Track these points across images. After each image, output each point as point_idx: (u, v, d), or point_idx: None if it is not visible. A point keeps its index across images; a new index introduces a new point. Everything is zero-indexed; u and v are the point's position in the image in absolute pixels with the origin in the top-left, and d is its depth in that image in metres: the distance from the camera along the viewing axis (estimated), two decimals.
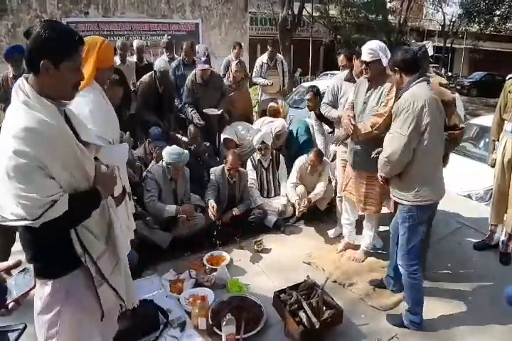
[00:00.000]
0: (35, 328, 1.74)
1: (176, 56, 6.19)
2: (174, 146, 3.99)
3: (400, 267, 2.91)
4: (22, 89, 1.57)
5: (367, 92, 3.39)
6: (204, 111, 5.02)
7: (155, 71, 4.95)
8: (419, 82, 2.65)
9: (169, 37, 6.74)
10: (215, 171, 4.42)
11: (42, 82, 1.58)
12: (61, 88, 1.63)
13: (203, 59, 4.93)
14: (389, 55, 3.35)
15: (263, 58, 6.51)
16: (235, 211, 4.30)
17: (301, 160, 4.62)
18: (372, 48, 3.27)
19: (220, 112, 5.13)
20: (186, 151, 4.02)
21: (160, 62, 5.01)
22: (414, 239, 2.79)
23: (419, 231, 2.78)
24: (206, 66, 4.94)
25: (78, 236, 1.67)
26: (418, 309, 2.91)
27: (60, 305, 1.70)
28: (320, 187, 4.47)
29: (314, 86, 5.01)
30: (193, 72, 5.12)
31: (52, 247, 1.66)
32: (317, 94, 4.79)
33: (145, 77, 5.05)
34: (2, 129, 1.55)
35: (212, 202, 4.09)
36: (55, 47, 1.56)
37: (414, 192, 2.67)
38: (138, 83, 5.15)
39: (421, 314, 2.92)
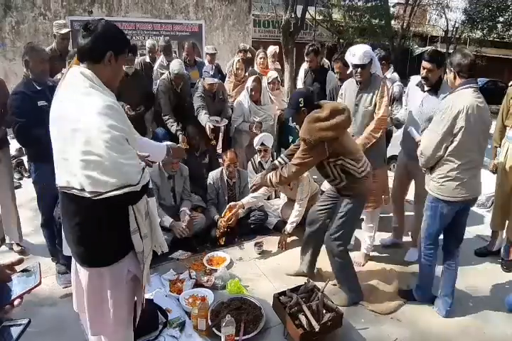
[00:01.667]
0: (38, 323, 1.75)
1: (174, 59, 6.06)
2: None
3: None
4: (85, 75, 1.71)
5: (357, 95, 3.54)
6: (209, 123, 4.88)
7: (169, 72, 4.88)
8: (464, 88, 2.78)
9: (167, 38, 6.42)
10: (212, 175, 4.39)
11: (100, 70, 1.75)
12: (114, 78, 1.85)
13: (212, 73, 4.88)
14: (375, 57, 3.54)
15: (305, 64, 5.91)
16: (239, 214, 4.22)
17: None
18: (366, 51, 3.42)
19: (223, 124, 5.05)
20: (170, 142, 3.92)
21: (174, 64, 4.86)
22: (432, 227, 3.05)
23: (437, 222, 3.01)
24: (216, 80, 4.91)
25: (134, 212, 1.80)
26: (427, 287, 3.23)
27: (124, 282, 1.90)
28: (295, 213, 4.12)
29: (314, 44, 4.97)
30: (202, 82, 5.00)
31: (110, 234, 1.81)
32: (317, 53, 4.78)
33: (161, 80, 4.96)
34: (75, 111, 1.65)
35: (217, 217, 4.15)
36: (119, 42, 1.82)
37: (439, 185, 2.91)
38: (155, 86, 5.03)
39: (430, 290, 3.24)
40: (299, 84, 5.74)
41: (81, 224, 1.81)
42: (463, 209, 3.01)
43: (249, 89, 4.95)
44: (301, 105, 2.95)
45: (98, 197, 1.63)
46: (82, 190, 1.65)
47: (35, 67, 3.21)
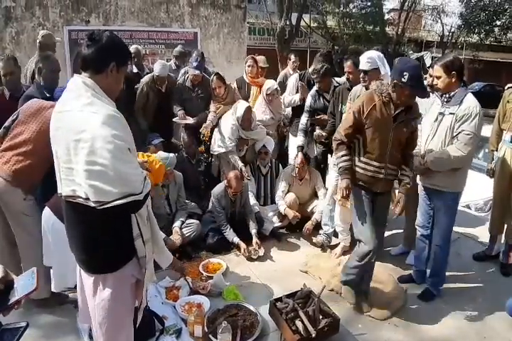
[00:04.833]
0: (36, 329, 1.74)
1: (183, 66, 5.99)
2: (160, 152, 3.94)
3: (438, 248, 3.28)
4: (87, 84, 1.73)
5: None
6: (174, 120, 4.90)
7: (153, 75, 4.95)
8: (468, 91, 2.99)
9: (183, 47, 6.56)
10: (216, 193, 4.18)
11: (101, 80, 1.77)
12: (114, 88, 1.86)
13: (195, 64, 4.75)
14: (386, 64, 3.46)
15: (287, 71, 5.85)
16: (255, 233, 4.15)
17: (286, 170, 4.69)
18: (370, 57, 3.45)
19: (191, 121, 4.82)
20: (172, 154, 3.92)
21: (156, 67, 4.88)
22: (453, 222, 3.25)
23: (456, 214, 3.25)
24: (197, 72, 4.79)
25: (136, 218, 1.83)
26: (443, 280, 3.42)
27: (128, 287, 1.94)
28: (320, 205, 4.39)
29: (324, 65, 4.58)
30: (186, 75, 5.01)
31: (114, 240, 1.83)
32: (327, 74, 4.51)
33: (145, 79, 4.99)
34: (79, 122, 1.66)
35: (238, 241, 4.04)
36: (122, 53, 1.86)
37: (460, 180, 3.12)
38: (138, 85, 4.95)
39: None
40: (287, 99, 5.11)
41: (85, 232, 1.83)
42: None
43: (239, 120, 4.53)
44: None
45: (102, 207, 1.66)
46: (87, 199, 1.68)
47: (47, 75, 3.44)
